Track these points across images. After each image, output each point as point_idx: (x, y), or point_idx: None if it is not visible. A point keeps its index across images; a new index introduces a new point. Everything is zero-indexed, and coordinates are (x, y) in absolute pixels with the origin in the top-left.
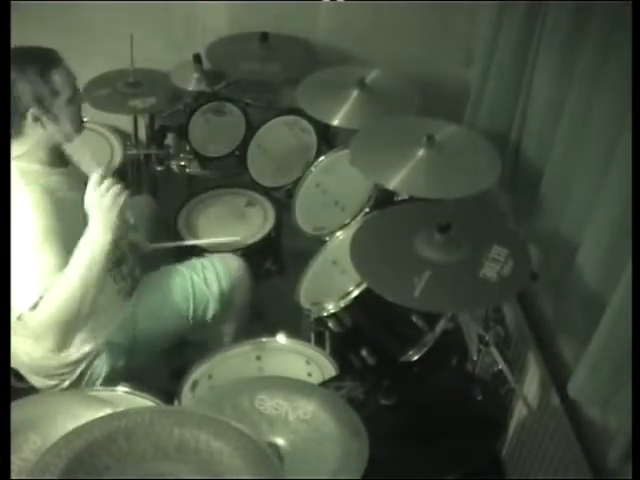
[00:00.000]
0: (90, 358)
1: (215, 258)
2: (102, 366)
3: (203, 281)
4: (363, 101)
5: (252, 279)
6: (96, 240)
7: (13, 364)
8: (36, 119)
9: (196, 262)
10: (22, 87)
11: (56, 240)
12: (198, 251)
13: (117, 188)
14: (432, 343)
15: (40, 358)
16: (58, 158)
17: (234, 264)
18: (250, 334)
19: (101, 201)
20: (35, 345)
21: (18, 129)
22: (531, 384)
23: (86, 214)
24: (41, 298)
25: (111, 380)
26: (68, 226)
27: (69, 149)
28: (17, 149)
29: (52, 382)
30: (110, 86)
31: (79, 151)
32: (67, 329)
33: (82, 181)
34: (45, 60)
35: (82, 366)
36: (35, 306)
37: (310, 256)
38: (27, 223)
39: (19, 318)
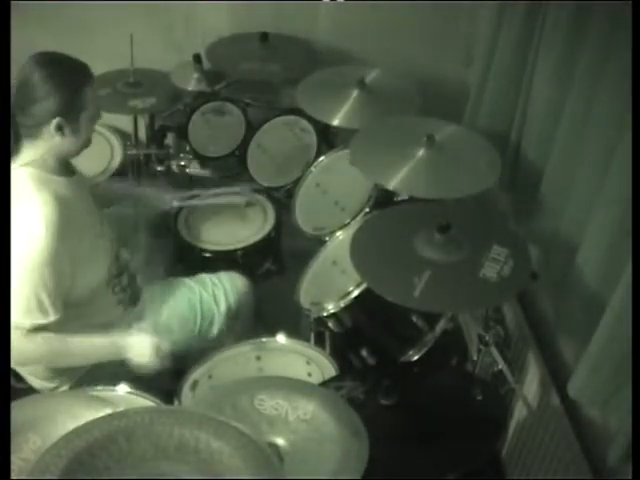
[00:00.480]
0: (89, 367)
1: (223, 276)
2: (102, 369)
3: (212, 298)
4: (363, 101)
5: (256, 298)
6: (111, 353)
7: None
8: (59, 128)
9: (205, 278)
10: (55, 95)
11: (60, 262)
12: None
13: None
14: (432, 343)
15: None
16: (65, 167)
17: (241, 282)
18: (250, 334)
19: (150, 360)
20: None
21: (36, 133)
22: (531, 384)
23: (94, 222)
24: (42, 324)
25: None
26: (75, 235)
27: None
28: (28, 154)
29: (52, 385)
30: (110, 86)
31: None
32: (45, 366)
33: (87, 189)
34: (82, 74)
35: (81, 373)
36: (31, 329)
37: (310, 256)
38: (35, 238)
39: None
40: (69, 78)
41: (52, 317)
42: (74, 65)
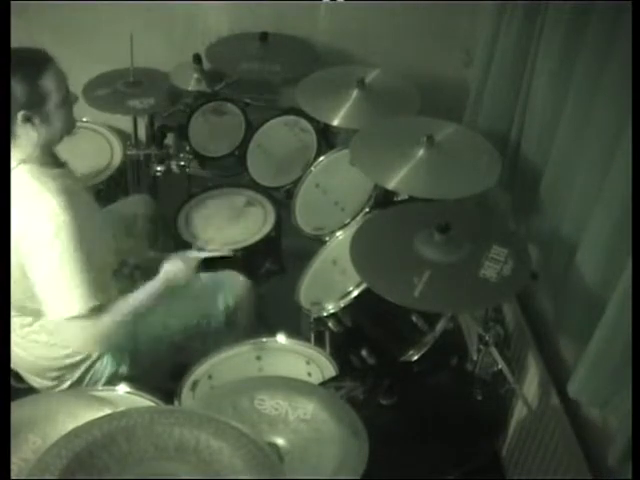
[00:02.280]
0: (90, 361)
1: (222, 275)
2: (103, 370)
3: (210, 296)
4: (363, 101)
5: (256, 297)
6: (165, 281)
7: (13, 365)
8: (26, 120)
9: (204, 277)
10: (11, 90)
11: (90, 243)
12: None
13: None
14: (432, 343)
15: (40, 359)
16: (54, 159)
17: (240, 282)
18: (250, 334)
19: (187, 272)
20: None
21: (14, 132)
22: (531, 384)
23: (94, 213)
24: (95, 308)
25: (112, 384)
26: (85, 221)
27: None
28: (17, 153)
29: (52, 383)
30: (110, 86)
31: None
32: (110, 343)
33: (78, 181)
34: (34, 63)
35: (82, 368)
36: (88, 315)
37: (310, 256)
38: (61, 225)
39: (53, 322)
40: (21, 69)
41: (104, 293)
42: (23, 56)
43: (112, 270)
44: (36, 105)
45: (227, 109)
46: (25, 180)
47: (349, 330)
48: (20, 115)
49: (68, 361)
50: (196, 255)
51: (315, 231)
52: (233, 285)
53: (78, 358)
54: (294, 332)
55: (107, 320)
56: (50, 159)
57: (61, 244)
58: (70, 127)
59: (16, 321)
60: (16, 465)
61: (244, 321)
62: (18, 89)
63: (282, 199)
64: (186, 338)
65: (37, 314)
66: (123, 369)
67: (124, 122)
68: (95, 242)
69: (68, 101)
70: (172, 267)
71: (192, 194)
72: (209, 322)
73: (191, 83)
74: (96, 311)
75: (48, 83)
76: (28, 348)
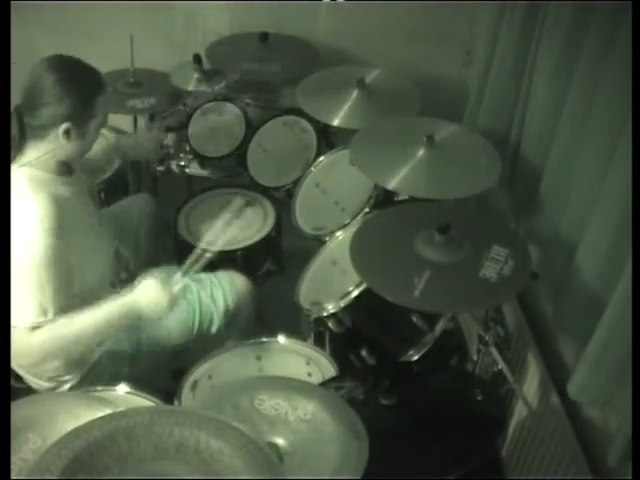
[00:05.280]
0: (90, 362)
1: (221, 275)
2: (103, 371)
3: (210, 297)
4: (363, 101)
5: (256, 298)
6: (129, 309)
7: (13, 365)
8: (66, 133)
9: (204, 278)
10: (67, 101)
11: (59, 261)
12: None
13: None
14: (432, 343)
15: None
16: (65, 167)
17: (240, 282)
18: (250, 334)
19: (157, 303)
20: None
21: (42, 135)
22: (531, 384)
23: (93, 222)
24: (42, 322)
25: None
26: (73, 234)
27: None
28: (30, 155)
29: (51, 385)
30: (110, 86)
31: None
32: (59, 360)
33: (85, 189)
34: (96, 82)
35: (82, 369)
36: (33, 328)
37: (310, 256)
38: (33, 237)
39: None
40: (83, 85)
41: (51, 316)
42: (88, 72)
43: (107, 278)
44: (82, 121)
45: (227, 109)
46: (18, 185)
47: (349, 330)
48: (63, 126)
49: (68, 362)
50: (179, 286)
51: (315, 231)
52: (233, 285)
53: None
54: (294, 332)
55: (43, 335)
56: (60, 168)
57: (29, 254)
58: (91, 147)
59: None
60: (16, 465)
61: (244, 321)
62: (71, 102)
63: (282, 199)
64: (186, 339)
65: None
66: (123, 370)
67: (124, 122)
68: (79, 255)
69: (104, 124)
70: (146, 293)
71: (192, 194)
72: (209, 322)
73: (191, 83)
74: (46, 324)
75: (99, 104)
76: None
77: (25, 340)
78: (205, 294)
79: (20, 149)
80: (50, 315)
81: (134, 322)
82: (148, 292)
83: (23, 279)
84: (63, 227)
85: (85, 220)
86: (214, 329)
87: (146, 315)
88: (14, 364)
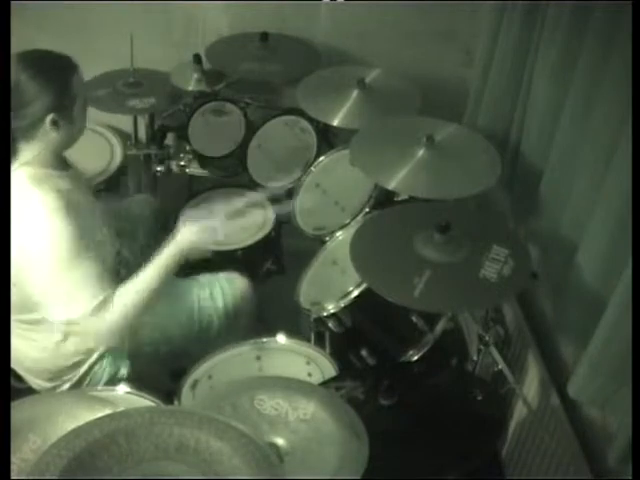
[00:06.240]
0: (89, 363)
1: (221, 275)
2: (102, 372)
3: (209, 297)
4: (363, 101)
5: (256, 298)
6: (176, 255)
7: (13, 365)
8: (54, 123)
9: (203, 278)
10: (46, 93)
11: (85, 241)
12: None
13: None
14: (432, 343)
15: (40, 361)
16: (62, 161)
17: (240, 283)
18: (250, 334)
19: (196, 236)
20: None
21: (32, 133)
22: (531, 384)
23: (95, 214)
24: (102, 302)
25: (112, 385)
26: (82, 227)
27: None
28: (26, 154)
29: (51, 384)
30: (110, 86)
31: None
32: (129, 329)
33: (83, 183)
34: (66, 67)
35: (82, 370)
36: (95, 311)
37: (310, 256)
38: (52, 230)
39: (69, 323)
40: (56, 73)
41: (108, 289)
42: (56, 58)
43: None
44: (65, 108)
45: (227, 109)
46: (23, 183)
47: (349, 330)
48: (49, 118)
49: (68, 363)
50: (217, 223)
51: (315, 231)
52: (233, 286)
53: (77, 360)
54: (294, 332)
55: (116, 311)
56: (57, 162)
57: (54, 243)
58: (83, 129)
59: (17, 322)
60: (16, 465)
61: (244, 321)
62: (49, 93)
63: (282, 199)
64: (186, 339)
65: (39, 315)
66: (123, 371)
67: (124, 122)
68: (95, 240)
69: (87, 103)
70: (185, 236)
71: (192, 194)
72: (209, 323)
73: (191, 83)
74: (103, 305)
75: (75, 87)
76: (29, 349)
77: (94, 325)
78: (204, 294)
79: (14, 152)
80: (107, 288)
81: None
82: (185, 234)
83: (60, 273)
84: (74, 215)
85: (87, 213)
86: (214, 329)
87: (192, 252)
88: (98, 346)
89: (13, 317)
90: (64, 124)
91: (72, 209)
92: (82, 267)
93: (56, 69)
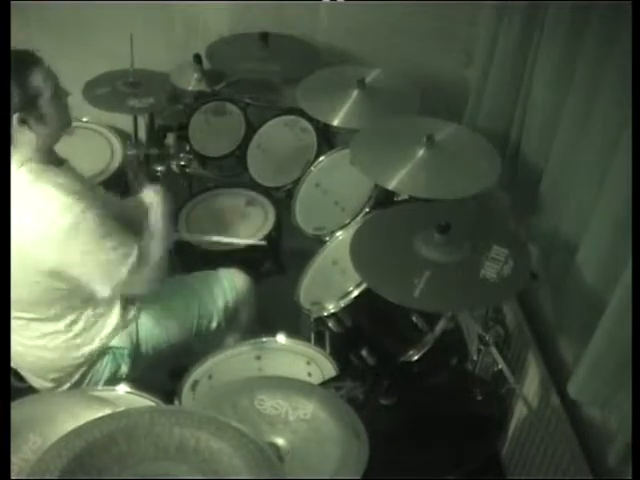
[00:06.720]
0: (90, 361)
1: (221, 272)
2: (103, 370)
3: (209, 294)
4: (363, 101)
5: (256, 295)
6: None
7: (13, 364)
8: (22, 122)
9: (204, 275)
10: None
11: (100, 211)
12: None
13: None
14: (432, 343)
15: (40, 360)
16: (54, 157)
17: (240, 279)
18: (250, 334)
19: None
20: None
21: (11, 136)
22: (531, 384)
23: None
24: (136, 259)
25: (112, 384)
26: (92, 204)
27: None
28: (19, 156)
29: (51, 384)
30: (110, 86)
31: None
32: (164, 270)
33: (79, 179)
34: (21, 63)
35: (82, 369)
36: (133, 270)
37: (310, 256)
38: (67, 213)
39: (122, 284)
40: (11, 71)
41: (135, 250)
42: (13, 54)
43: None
44: (29, 106)
45: (227, 109)
46: (28, 182)
47: (349, 330)
48: (15, 118)
49: (68, 362)
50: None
51: (315, 231)
52: (233, 282)
53: (78, 358)
54: (294, 332)
55: (149, 261)
56: (50, 158)
57: (85, 231)
58: (67, 124)
59: (18, 322)
60: (16, 465)
61: (245, 319)
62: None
63: (282, 199)
64: (186, 337)
65: (40, 316)
66: (123, 370)
67: (124, 122)
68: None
69: (60, 96)
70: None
71: (192, 194)
72: (209, 321)
73: (191, 83)
74: (137, 261)
75: (37, 82)
76: (29, 349)
77: (138, 281)
78: (205, 291)
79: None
80: (133, 253)
81: None
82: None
83: (90, 250)
84: (80, 196)
85: (90, 192)
86: (214, 326)
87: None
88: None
89: (26, 316)
90: (34, 121)
91: (77, 193)
92: (108, 237)
93: (12, 67)
